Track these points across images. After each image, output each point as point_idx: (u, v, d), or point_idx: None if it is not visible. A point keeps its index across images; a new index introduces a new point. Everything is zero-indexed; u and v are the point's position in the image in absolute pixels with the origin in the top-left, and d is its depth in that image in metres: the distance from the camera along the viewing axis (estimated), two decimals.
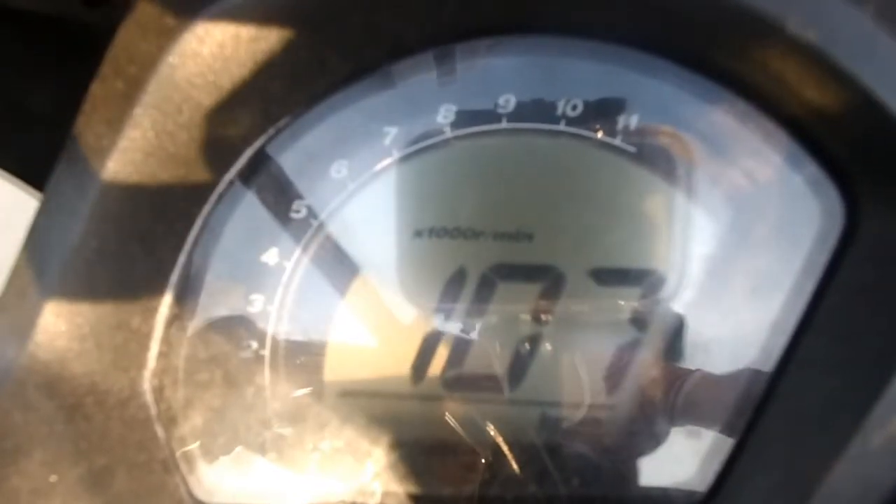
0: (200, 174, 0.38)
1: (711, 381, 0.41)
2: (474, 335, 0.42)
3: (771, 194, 0.39)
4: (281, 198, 0.41)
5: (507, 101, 0.40)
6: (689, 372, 0.41)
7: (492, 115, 0.40)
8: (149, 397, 0.39)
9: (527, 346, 0.42)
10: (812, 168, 0.38)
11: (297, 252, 0.42)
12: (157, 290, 0.39)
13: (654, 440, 0.42)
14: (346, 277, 0.42)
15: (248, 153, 0.39)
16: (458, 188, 0.41)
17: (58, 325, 0.35)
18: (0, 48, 0.50)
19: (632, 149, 0.40)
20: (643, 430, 0.42)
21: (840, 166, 0.37)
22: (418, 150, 0.41)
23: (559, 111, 0.40)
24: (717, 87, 0.37)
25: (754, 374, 0.40)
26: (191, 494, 0.40)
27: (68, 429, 0.36)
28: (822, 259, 0.38)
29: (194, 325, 0.41)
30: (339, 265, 0.42)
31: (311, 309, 0.42)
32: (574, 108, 0.40)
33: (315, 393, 0.43)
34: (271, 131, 0.39)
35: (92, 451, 0.36)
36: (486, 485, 0.42)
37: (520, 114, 0.40)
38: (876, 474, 0.33)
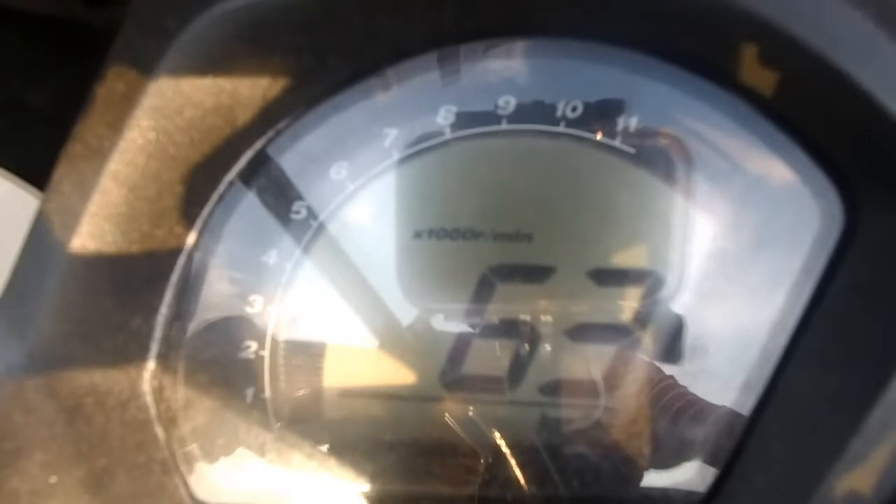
0: (201, 175, 0.38)
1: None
2: (474, 336, 0.42)
3: (770, 195, 0.39)
4: (281, 199, 0.41)
5: (507, 103, 0.40)
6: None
7: (492, 117, 0.40)
8: (148, 398, 0.39)
9: (526, 346, 0.42)
10: (811, 169, 0.38)
11: (297, 253, 0.42)
12: (156, 290, 0.39)
13: (658, 443, 0.42)
14: (346, 278, 0.42)
15: (249, 154, 0.39)
16: (457, 189, 0.41)
17: (58, 326, 0.35)
18: (0, 48, 0.50)
19: (631, 150, 0.40)
20: (643, 431, 0.42)
21: (839, 167, 0.37)
22: (418, 151, 0.41)
23: (559, 113, 0.40)
24: (717, 89, 0.37)
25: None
26: (191, 495, 0.40)
27: (68, 430, 0.36)
28: (822, 260, 0.38)
29: (194, 325, 0.41)
30: (339, 266, 0.42)
31: (310, 309, 0.42)
32: (574, 109, 0.40)
33: (315, 393, 0.43)
34: (271, 133, 0.39)
35: (92, 452, 0.36)
36: (486, 485, 0.42)
37: (520, 115, 0.40)
38: None
